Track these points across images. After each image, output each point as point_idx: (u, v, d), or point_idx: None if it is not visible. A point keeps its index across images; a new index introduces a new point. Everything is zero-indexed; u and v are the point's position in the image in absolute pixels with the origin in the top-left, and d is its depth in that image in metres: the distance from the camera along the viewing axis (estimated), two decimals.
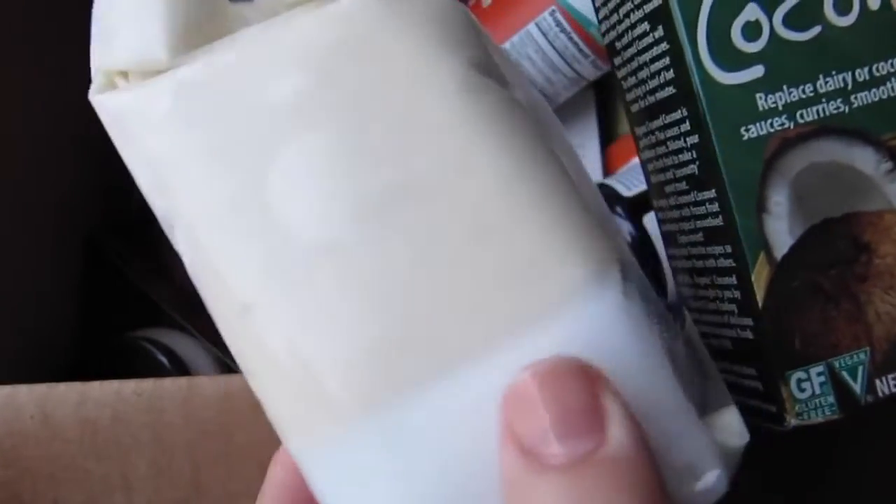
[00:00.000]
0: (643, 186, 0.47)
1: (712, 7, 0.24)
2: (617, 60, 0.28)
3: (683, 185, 0.26)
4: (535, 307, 0.19)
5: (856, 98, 0.24)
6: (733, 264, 0.24)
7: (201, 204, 0.21)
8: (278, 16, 0.21)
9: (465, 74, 0.20)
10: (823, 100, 0.24)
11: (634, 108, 0.28)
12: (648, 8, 0.25)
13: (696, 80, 0.24)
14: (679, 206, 0.26)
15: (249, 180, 0.20)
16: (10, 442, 0.29)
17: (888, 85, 0.24)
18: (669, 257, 0.29)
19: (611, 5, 0.27)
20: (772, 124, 0.24)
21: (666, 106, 0.26)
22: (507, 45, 0.50)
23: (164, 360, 0.46)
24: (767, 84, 0.24)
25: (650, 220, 0.50)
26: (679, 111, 0.25)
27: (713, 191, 0.24)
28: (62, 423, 0.29)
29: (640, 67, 0.26)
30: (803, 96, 0.24)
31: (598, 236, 0.20)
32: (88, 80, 0.23)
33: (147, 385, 0.30)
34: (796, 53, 0.24)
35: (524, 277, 0.19)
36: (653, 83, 0.26)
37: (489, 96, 0.20)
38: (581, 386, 0.18)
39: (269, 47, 0.21)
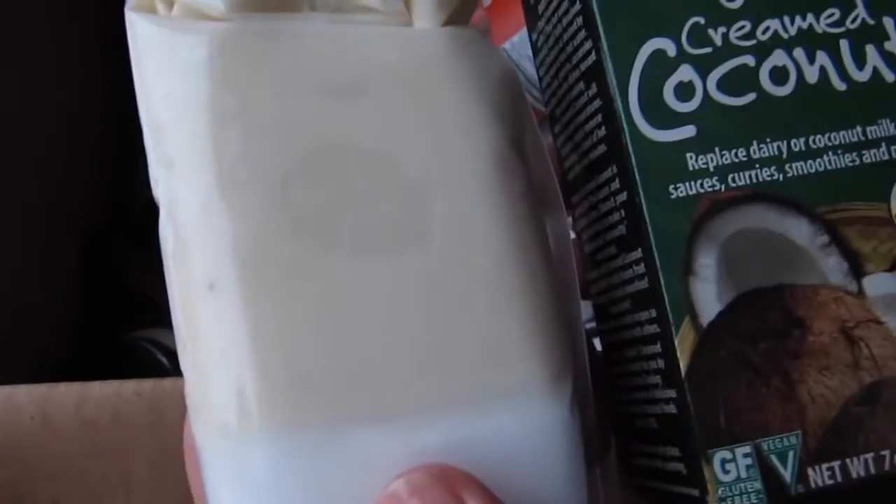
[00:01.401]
0: None
1: (645, 65, 0.23)
2: (556, 129, 0.28)
3: (613, 249, 0.25)
4: (480, 392, 0.19)
5: (791, 167, 0.23)
6: (657, 330, 0.23)
7: (202, 167, 0.19)
8: (345, 14, 0.21)
9: (501, 151, 0.20)
10: (757, 165, 0.23)
11: (570, 175, 0.27)
12: (584, 66, 0.25)
13: (626, 135, 0.23)
14: (609, 273, 0.25)
15: (264, 158, 0.19)
16: (10, 442, 0.29)
17: (825, 158, 0.24)
18: (600, 333, 0.27)
19: (552, 71, 0.27)
20: (702, 185, 0.23)
21: (599, 165, 0.25)
22: (506, 45, 0.50)
23: (164, 360, 0.46)
24: (699, 145, 0.23)
25: None
26: (610, 169, 0.24)
27: (639, 250, 0.23)
28: (62, 424, 0.29)
29: (576, 130, 0.26)
30: (736, 160, 0.23)
31: (560, 343, 0.20)
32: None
33: (147, 385, 0.30)
34: (730, 117, 0.23)
35: (479, 361, 0.19)
36: (586, 144, 0.25)
37: (513, 178, 0.21)
38: (446, 493, 0.18)
39: (327, 46, 0.20)
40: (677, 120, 0.23)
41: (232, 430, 0.18)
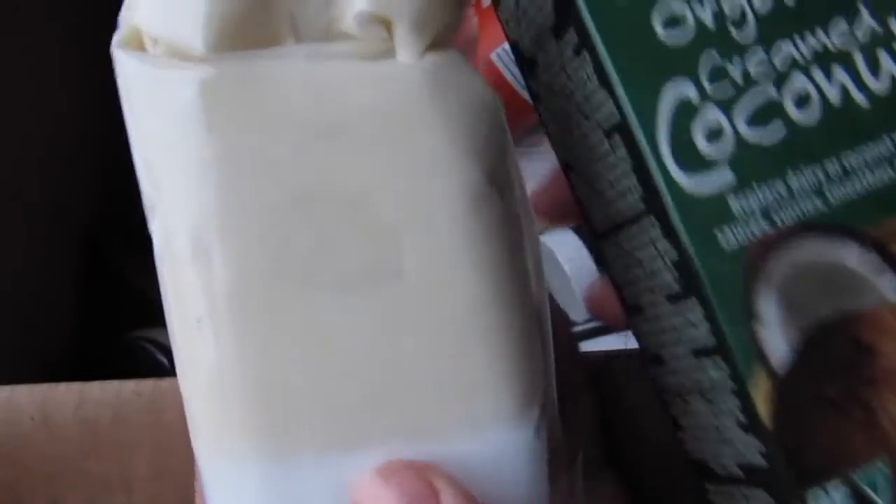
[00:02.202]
0: None
1: (670, 112, 0.23)
2: (574, 178, 0.27)
3: (662, 299, 0.25)
4: (447, 422, 0.20)
5: (830, 193, 0.23)
6: (728, 379, 0.23)
7: (188, 208, 0.20)
8: (326, 45, 0.21)
9: (478, 186, 0.21)
10: (798, 198, 0.23)
11: (599, 224, 0.27)
12: (604, 121, 0.24)
13: (664, 189, 0.23)
14: (659, 322, 0.25)
15: (246, 200, 0.20)
16: (11, 443, 0.29)
17: (861, 176, 0.23)
18: (653, 377, 0.27)
19: (563, 123, 0.26)
20: (749, 227, 0.23)
21: (635, 219, 0.24)
22: (499, 51, 0.51)
23: (163, 359, 0.46)
24: (738, 187, 0.23)
25: None
26: (649, 223, 0.24)
27: (697, 302, 0.23)
28: (62, 424, 0.29)
29: (602, 182, 0.25)
30: (777, 196, 0.23)
31: (529, 373, 0.21)
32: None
33: (147, 385, 0.30)
34: (763, 153, 0.23)
35: (447, 393, 0.20)
36: (618, 198, 0.25)
37: (491, 212, 0.21)
38: (418, 475, 0.20)
39: (306, 87, 0.20)
40: (712, 165, 0.23)
41: (225, 452, 0.20)
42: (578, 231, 0.52)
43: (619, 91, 0.23)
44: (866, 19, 0.24)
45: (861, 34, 0.24)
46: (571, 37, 0.24)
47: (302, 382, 0.20)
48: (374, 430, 0.20)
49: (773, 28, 0.23)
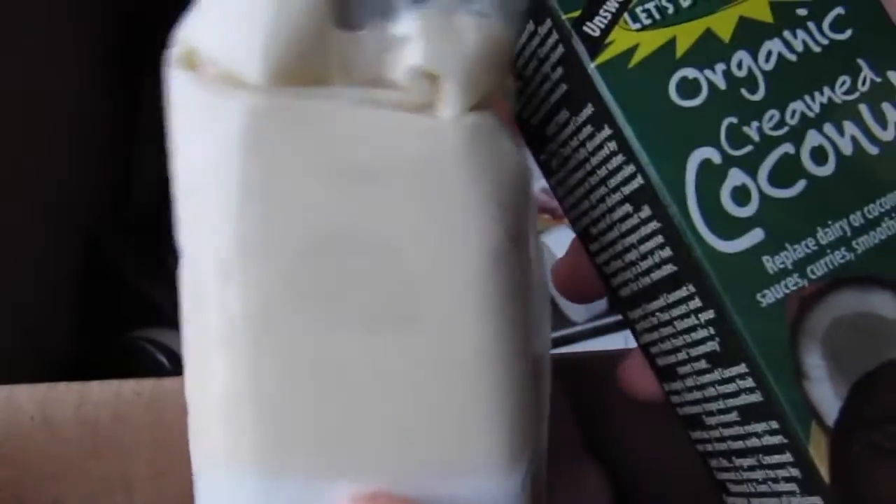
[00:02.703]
0: None
1: (697, 178, 0.23)
2: (594, 247, 0.27)
3: (703, 364, 0.25)
4: (441, 466, 0.21)
5: (858, 244, 0.23)
6: (784, 440, 0.23)
7: (222, 236, 0.21)
8: (373, 92, 0.21)
9: (499, 246, 0.22)
10: (828, 251, 0.23)
11: (624, 292, 0.27)
12: (627, 190, 0.24)
13: (699, 254, 0.23)
14: (700, 387, 0.25)
15: (279, 236, 0.21)
16: (11, 443, 0.29)
17: (884, 224, 0.24)
18: (694, 441, 0.27)
19: (577, 193, 0.26)
20: (786, 285, 0.23)
21: (666, 285, 0.24)
22: None
23: (163, 359, 0.46)
24: (771, 246, 0.23)
25: None
26: (684, 288, 0.24)
27: (743, 366, 0.23)
28: (62, 424, 0.29)
29: (627, 250, 0.25)
30: (808, 251, 0.23)
31: (523, 426, 0.22)
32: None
33: (147, 385, 0.30)
34: (790, 210, 0.23)
35: (444, 439, 0.21)
36: (645, 264, 0.25)
37: (507, 269, 0.22)
38: None
39: (351, 130, 0.21)
40: (743, 226, 0.23)
41: (223, 465, 0.21)
42: None
43: (645, 161, 0.23)
44: (867, 72, 0.24)
45: (863, 87, 0.24)
46: (588, 110, 0.24)
47: (304, 409, 0.21)
48: (367, 462, 0.21)
49: (782, 88, 0.24)
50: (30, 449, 0.29)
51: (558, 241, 0.54)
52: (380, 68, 0.22)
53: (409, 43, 0.21)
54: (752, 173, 0.23)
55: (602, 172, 0.25)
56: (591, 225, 0.26)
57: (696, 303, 0.24)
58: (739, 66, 0.24)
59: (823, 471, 0.22)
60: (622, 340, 0.52)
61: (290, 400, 0.21)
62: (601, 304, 0.53)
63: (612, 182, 0.25)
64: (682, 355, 0.25)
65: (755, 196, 0.23)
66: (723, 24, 0.24)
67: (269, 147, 0.21)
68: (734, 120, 0.23)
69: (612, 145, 0.24)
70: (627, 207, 0.24)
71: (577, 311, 0.55)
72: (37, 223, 0.46)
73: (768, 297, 0.23)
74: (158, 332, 0.48)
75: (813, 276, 0.23)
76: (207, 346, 0.21)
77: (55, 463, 0.30)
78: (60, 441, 0.29)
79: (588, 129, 0.25)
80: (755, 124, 0.24)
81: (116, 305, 0.51)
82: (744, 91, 0.24)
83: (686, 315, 0.24)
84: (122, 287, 0.51)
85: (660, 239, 0.24)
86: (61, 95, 0.50)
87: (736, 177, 0.23)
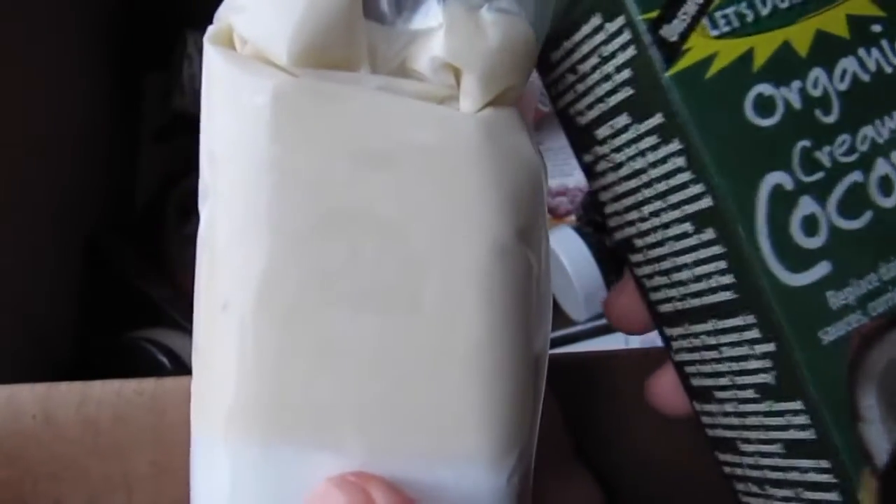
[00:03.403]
0: None
1: (768, 206, 0.22)
2: (636, 258, 0.26)
3: (750, 394, 0.24)
4: (430, 450, 0.22)
5: None
6: (833, 480, 0.22)
7: (238, 203, 0.22)
8: (397, 80, 0.22)
9: (504, 241, 0.22)
10: (890, 288, 0.22)
11: (665, 308, 0.25)
12: (690, 209, 0.23)
13: (765, 285, 0.22)
14: (741, 414, 0.24)
15: (291, 208, 0.21)
16: (12, 442, 0.29)
17: None
18: (722, 463, 0.26)
19: (626, 202, 0.25)
20: (848, 322, 0.22)
21: (720, 311, 0.23)
22: None
23: (164, 360, 0.46)
24: (836, 281, 0.22)
25: None
26: (741, 318, 0.23)
27: (799, 402, 0.22)
28: (64, 423, 0.29)
29: (677, 269, 0.24)
30: (870, 287, 0.22)
31: (514, 422, 0.22)
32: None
33: (148, 385, 0.30)
34: (855, 244, 0.22)
35: (436, 425, 0.22)
36: (697, 286, 0.24)
37: (513, 267, 0.22)
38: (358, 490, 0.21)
39: (371, 115, 0.22)
40: (811, 259, 0.22)
41: (220, 430, 0.22)
42: (579, 230, 0.52)
43: (717, 181, 0.22)
44: None
45: None
46: (656, 120, 0.23)
47: (304, 382, 0.21)
48: (358, 438, 0.21)
49: (855, 111, 0.23)
50: (31, 448, 0.29)
51: (559, 240, 0.54)
52: (404, 59, 0.22)
53: (433, 35, 0.22)
54: (822, 202, 0.22)
55: (661, 186, 0.23)
56: (636, 236, 0.25)
57: (754, 334, 0.23)
58: (815, 84, 0.23)
59: None
60: (622, 340, 0.52)
61: (287, 370, 0.21)
62: (602, 304, 0.53)
63: (673, 198, 0.23)
64: (724, 381, 0.24)
65: (824, 226, 0.22)
66: (801, 36, 0.23)
67: (290, 124, 0.21)
68: (807, 144, 0.22)
69: (681, 161, 0.23)
70: (687, 227, 0.23)
71: (577, 311, 0.55)
72: (38, 224, 0.46)
73: (831, 334, 0.22)
74: (159, 332, 0.48)
75: (873, 314, 0.22)
76: (214, 311, 0.22)
77: (56, 462, 0.30)
78: (62, 440, 0.29)
79: (652, 140, 0.23)
80: (827, 149, 0.22)
81: (117, 306, 0.51)
82: (818, 112, 0.22)
83: (738, 343, 0.23)
84: (122, 287, 0.52)
85: (722, 264, 0.23)
86: (62, 95, 0.50)
87: (806, 205, 0.22)
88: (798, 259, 0.22)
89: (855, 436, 0.22)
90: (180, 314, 0.49)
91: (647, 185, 0.24)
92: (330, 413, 0.21)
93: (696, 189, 0.23)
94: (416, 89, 0.22)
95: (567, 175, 0.58)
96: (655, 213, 0.24)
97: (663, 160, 0.23)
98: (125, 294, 0.51)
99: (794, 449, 0.23)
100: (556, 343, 0.55)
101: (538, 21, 0.23)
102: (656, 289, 0.25)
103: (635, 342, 0.51)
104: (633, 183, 0.24)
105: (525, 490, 0.23)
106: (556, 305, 0.56)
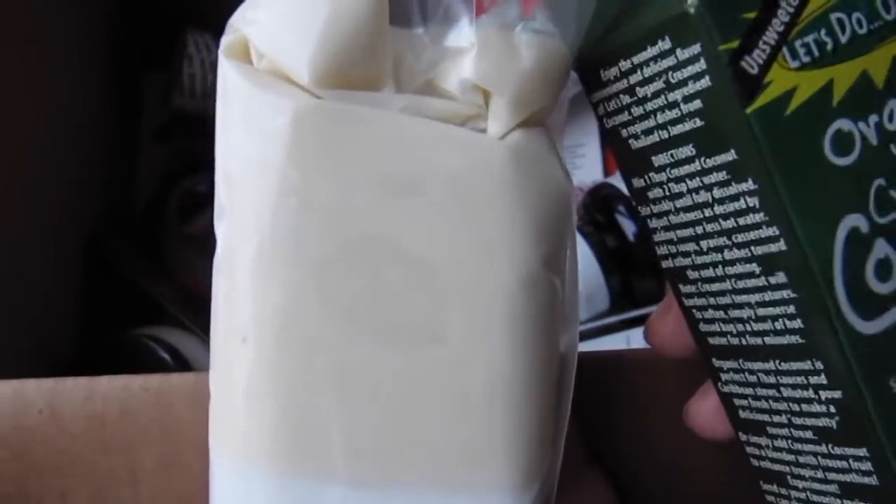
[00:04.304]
0: None
1: (844, 251, 0.21)
2: (687, 289, 0.24)
3: (808, 434, 0.23)
4: (451, 483, 0.21)
5: None
6: None
7: (256, 230, 0.21)
8: (423, 100, 0.21)
9: (532, 271, 0.21)
10: None
11: (717, 341, 0.24)
12: (759, 251, 0.22)
13: (840, 334, 0.21)
14: (795, 452, 0.24)
15: (312, 236, 0.21)
16: (18, 436, 0.29)
17: None
18: (766, 493, 0.26)
19: (681, 233, 0.24)
20: None
21: (783, 353, 0.23)
22: None
23: (166, 357, 0.46)
24: None
25: None
26: (808, 363, 0.22)
27: (864, 450, 0.22)
28: (70, 418, 0.29)
29: (737, 306, 0.23)
30: None
31: (536, 455, 0.22)
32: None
33: (154, 380, 0.30)
34: None
35: (457, 458, 0.21)
36: (760, 326, 0.23)
37: (540, 297, 0.22)
38: None
39: (395, 139, 0.21)
40: (883, 305, 0.21)
41: (238, 458, 0.21)
42: (580, 230, 0.52)
43: (794, 222, 0.21)
44: None
45: None
46: (728, 156, 0.21)
47: (324, 415, 0.21)
48: (379, 472, 0.21)
49: None
50: (37, 442, 0.29)
51: None
52: (433, 77, 0.22)
53: (464, 55, 0.21)
54: (895, 244, 0.21)
55: (727, 224, 0.22)
56: (691, 268, 0.24)
57: (821, 380, 0.22)
58: (891, 117, 0.21)
59: None
60: (624, 340, 0.52)
61: (306, 401, 0.21)
62: (603, 304, 0.53)
63: (740, 238, 0.22)
64: (780, 418, 0.24)
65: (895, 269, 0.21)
66: (877, 65, 0.21)
67: (311, 148, 0.21)
68: (883, 182, 0.21)
69: (753, 201, 0.21)
70: (753, 267, 0.22)
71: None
72: (39, 223, 0.46)
73: None
74: (161, 329, 0.48)
75: None
76: (233, 336, 0.21)
77: (62, 457, 0.30)
78: (68, 435, 0.29)
79: (721, 176, 0.22)
80: None
81: (119, 304, 0.51)
82: (893, 148, 0.21)
83: (803, 387, 0.23)
84: (124, 286, 0.52)
85: (790, 309, 0.22)
86: (62, 95, 0.50)
87: (881, 248, 0.21)
88: (871, 306, 0.21)
89: None
90: (181, 312, 0.49)
91: (711, 220, 0.23)
92: (348, 446, 0.21)
93: (769, 232, 0.21)
94: (442, 108, 0.21)
95: None
96: (717, 250, 0.23)
97: (734, 198, 0.22)
98: (126, 292, 0.51)
99: (851, 492, 0.23)
100: None
101: (574, 38, 0.22)
102: (709, 321, 0.25)
103: (637, 343, 0.51)
104: (692, 216, 0.23)
105: None
106: None
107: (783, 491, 0.25)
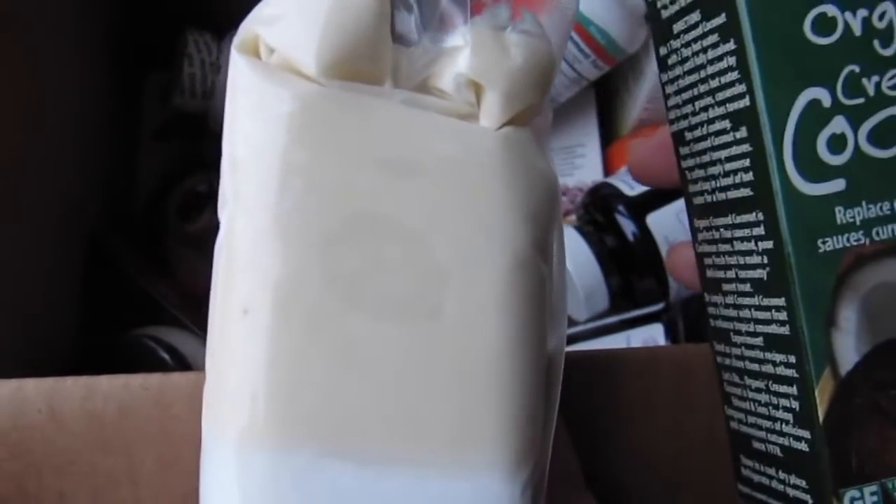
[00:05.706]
0: (646, 187, 0.47)
1: (801, 116, 0.23)
2: (683, 150, 0.28)
3: (747, 287, 0.26)
4: (446, 460, 0.22)
5: None
6: (795, 375, 0.24)
7: (261, 207, 0.22)
8: (420, 96, 0.23)
9: (524, 253, 0.22)
10: None
11: (698, 200, 0.27)
12: (732, 107, 0.24)
13: (777, 187, 0.23)
14: (737, 307, 0.26)
15: (315, 213, 0.22)
16: (17, 435, 0.29)
17: None
18: (716, 353, 0.28)
19: (685, 96, 0.27)
20: (848, 239, 0.23)
21: (737, 206, 0.25)
22: None
23: (166, 356, 0.46)
24: (847, 198, 0.23)
25: (653, 220, 0.50)
26: (753, 214, 0.25)
27: (782, 300, 0.24)
28: (69, 417, 0.29)
29: (713, 163, 0.26)
30: (880, 213, 0.24)
31: (530, 433, 0.22)
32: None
33: (154, 379, 0.30)
34: (877, 170, 0.24)
35: (453, 434, 0.22)
36: (725, 181, 0.26)
37: (530, 276, 0.23)
38: None
39: (395, 126, 0.22)
40: (828, 173, 0.23)
41: (233, 434, 0.21)
42: (580, 229, 0.52)
43: (757, 82, 0.23)
44: None
45: None
46: (720, 19, 0.24)
47: (321, 388, 0.22)
48: (375, 446, 0.22)
49: None
50: (36, 442, 0.30)
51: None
52: (427, 77, 0.23)
53: (459, 53, 0.23)
54: (855, 125, 0.23)
55: (714, 83, 0.25)
56: (687, 129, 0.27)
57: (760, 230, 0.24)
58: (882, 17, 0.23)
59: (821, 411, 0.23)
60: (624, 340, 0.52)
61: (305, 376, 0.21)
62: (603, 304, 0.53)
63: (721, 95, 0.25)
64: (731, 273, 0.26)
65: (850, 148, 0.23)
66: None
67: (317, 131, 0.22)
68: (856, 68, 0.23)
69: (732, 60, 0.24)
70: (726, 123, 0.25)
71: (577, 311, 0.55)
72: (39, 223, 0.46)
73: (828, 244, 0.23)
74: (161, 329, 0.48)
75: (876, 238, 0.24)
76: (232, 315, 0.22)
77: (62, 456, 0.30)
78: (67, 434, 0.30)
79: (714, 38, 0.25)
80: (875, 78, 0.23)
81: (119, 304, 0.51)
82: (876, 43, 0.23)
83: (747, 239, 0.25)
84: (124, 286, 0.52)
85: (746, 162, 0.24)
86: (63, 94, 0.50)
87: (838, 124, 0.23)
88: (816, 170, 0.23)
89: (825, 339, 0.24)
90: (182, 312, 0.49)
91: (704, 80, 0.25)
92: (346, 420, 0.21)
93: (740, 89, 0.24)
94: (438, 105, 0.23)
95: (567, 175, 0.58)
96: (705, 109, 0.26)
97: (720, 58, 0.25)
98: (127, 292, 0.51)
99: (771, 343, 0.25)
100: None
101: (560, 41, 0.24)
102: (694, 181, 0.27)
103: (637, 343, 0.51)
104: (692, 77, 0.26)
105: (538, 502, 0.23)
106: None
107: (727, 349, 0.27)
